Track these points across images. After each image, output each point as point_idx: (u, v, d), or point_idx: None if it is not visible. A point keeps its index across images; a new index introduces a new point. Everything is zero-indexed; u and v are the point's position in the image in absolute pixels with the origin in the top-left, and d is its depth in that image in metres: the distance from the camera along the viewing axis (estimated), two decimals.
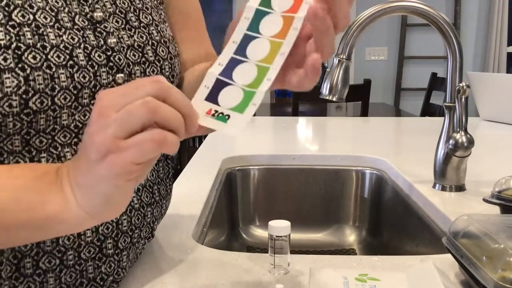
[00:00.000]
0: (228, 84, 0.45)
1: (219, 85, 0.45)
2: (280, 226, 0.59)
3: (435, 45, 3.92)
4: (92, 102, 0.52)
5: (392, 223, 1.09)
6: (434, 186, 0.95)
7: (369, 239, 1.17)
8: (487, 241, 0.52)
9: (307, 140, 1.53)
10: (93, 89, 0.52)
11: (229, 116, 0.43)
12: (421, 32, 3.93)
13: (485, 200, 0.77)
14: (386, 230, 1.12)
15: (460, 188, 0.93)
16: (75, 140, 0.52)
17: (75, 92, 0.50)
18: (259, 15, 0.47)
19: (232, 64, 0.46)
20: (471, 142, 0.89)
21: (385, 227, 1.13)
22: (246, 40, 0.46)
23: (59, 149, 0.51)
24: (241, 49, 0.46)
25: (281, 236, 0.59)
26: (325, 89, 0.88)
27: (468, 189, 0.93)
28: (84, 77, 0.50)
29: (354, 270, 0.62)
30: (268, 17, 0.46)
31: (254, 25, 0.47)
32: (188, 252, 0.67)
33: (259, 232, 1.19)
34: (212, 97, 0.44)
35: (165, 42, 0.62)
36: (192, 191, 0.96)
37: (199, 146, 1.57)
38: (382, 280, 0.58)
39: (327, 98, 0.87)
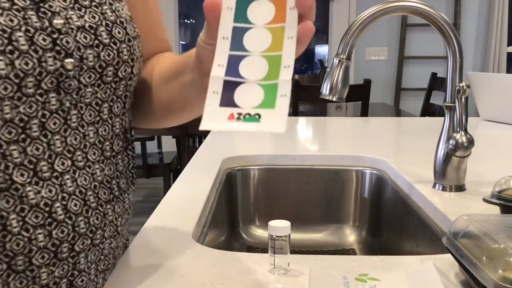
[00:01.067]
0: (239, 83, 0.41)
1: (229, 87, 0.41)
2: (280, 226, 0.59)
3: (435, 45, 3.92)
4: (38, 91, 0.47)
5: (392, 223, 1.09)
6: (434, 186, 0.95)
7: (369, 239, 1.17)
8: (487, 241, 0.52)
9: (307, 140, 1.53)
10: (38, 77, 0.47)
11: (259, 115, 0.39)
12: (421, 32, 3.93)
13: (485, 200, 0.77)
14: (386, 230, 1.12)
15: (460, 188, 0.93)
16: (23, 136, 0.47)
17: (17, 81, 0.45)
18: (242, 4, 0.43)
19: (234, 61, 0.42)
20: (471, 142, 0.89)
21: (385, 227, 1.13)
22: (238, 33, 0.43)
23: (4, 147, 0.46)
24: (236, 43, 0.43)
25: (281, 236, 0.59)
26: (325, 89, 0.88)
27: (468, 189, 0.93)
28: (26, 63, 0.45)
29: (354, 270, 0.62)
30: (255, 4, 0.43)
31: (240, 16, 0.43)
32: (188, 252, 0.67)
33: (259, 232, 1.19)
34: (227, 101, 0.41)
35: (121, 23, 0.56)
36: (192, 191, 0.96)
37: (199, 146, 1.56)
38: (382, 280, 0.58)
39: (327, 98, 0.87)
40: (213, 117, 0.40)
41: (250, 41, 0.42)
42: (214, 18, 0.43)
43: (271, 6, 0.43)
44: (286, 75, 0.40)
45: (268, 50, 0.42)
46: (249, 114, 0.40)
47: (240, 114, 0.40)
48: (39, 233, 0.49)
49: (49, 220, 0.50)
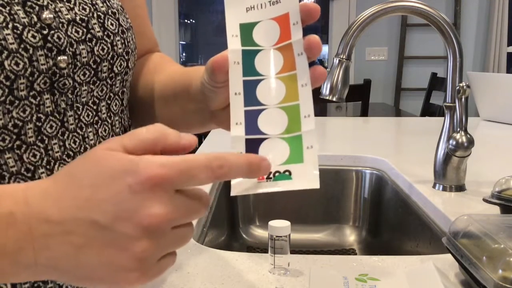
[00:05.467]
0: (262, 139, 0.40)
1: (252, 145, 0.40)
2: (280, 226, 0.59)
3: (435, 45, 3.92)
4: (31, 93, 0.43)
5: (392, 223, 1.09)
6: (434, 186, 0.95)
7: (369, 239, 1.17)
8: (487, 241, 0.52)
9: None
10: (30, 78, 0.43)
11: (289, 171, 0.38)
12: (421, 32, 3.93)
13: (485, 200, 0.77)
14: (386, 230, 1.12)
15: (460, 188, 0.93)
16: (18, 142, 0.44)
17: (7, 83, 0.42)
18: (248, 56, 0.42)
19: (251, 117, 0.41)
20: (471, 142, 0.89)
21: (385, 227, 1.13)
22: (250, 86, 0.41)
23: None
24: (250, 98, 0.41)
25: (281, 236, 0.59)
26: (325, 89, 0.88)
27: (468, 189, 0.93)
28: (17, 64, 0.42)
29: (354, 270, 0.62)
30: (261, 55, 0.42)
31: (249, 69, 0.42)
32: (188, 252, 0.67)
33: (259, 232, 1.19)
34: None
35: (113, 14, 0.52)
36: None
37: (199, 146, 1.57)
38: (382, 280, 0.58)
39: (327, 98, 0.87)
40: (242, 181, 0.38)
41: (263, 93, 0.41)
42: (223, 73, 0.42)
43: (278, 54, 0.42)
44: (308, 126, 0.39)
45: (284, 101, 0.41)
46: (279, 172, 0.38)
47: (269, 173, 0.38)
48: None
49: None
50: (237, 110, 0.41)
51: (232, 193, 0.39)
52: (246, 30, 0.43)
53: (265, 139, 0.40)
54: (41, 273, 0.34)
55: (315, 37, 0.41)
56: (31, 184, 0.34)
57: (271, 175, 0.38)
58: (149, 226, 0.32)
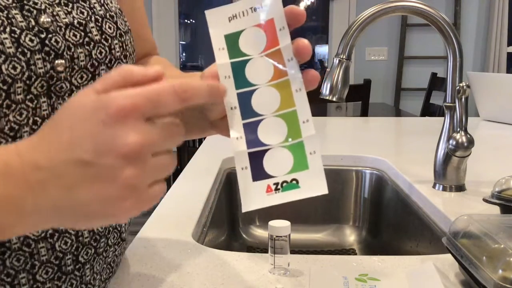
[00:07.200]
0: (264, 151, 0.40)
1: (256, 158, 0.40)
2: (280, 226, 0.59)
3: (435, 45, 3.92)
4: (28, 97, 0.44)
5: (392, 223, 1.09)
6: (434, 186, 0.95)
7: (369, 239, 1.17)
8: (487, 241, 0.52)
9: None
10: (27, 82, 0.43)
11: (296, 180, 0.38)
12: (421, 32, 3.93)
13: (485, 200, 0.77)
14: (386, 230, 1.12)
15: (460, 188, 0.93)
16: None
17: (5, 87, 0.42)
18: (238, 68, 0.41)
19: (250, 129, 0.41)
20: (471, 142, 0.89)
21: (385, 227, 1.13)
22: (244, 98, 0.41)
23: None
24: (246, 110, 0.41)
25: (281, 236, 0.59)
26: (325, 89, 0.88)
27: (468, 189, 0.93)
28: (14, 67, 0.42)
29: (354, 270, 0.62)
30: (251, 65, 0.41)
31: (241, 81, 0.41)
32: (188, 252, 0.67)
33: (259, 232, 1.19)
34: (259, 173, 0.39)
35: (111, 17, 0.52)
36: (192, 191, 0.96)
37: (199, 146, 1.58)
38: (382, 280, 0.58)
39: (327, 98, 0.87)
40: (251, 196, 0.38)
41: (259, 104, 0.41)
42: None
43: (268, 61, 0.41)
44: (308, 131, 0.39)
45: (280, 108, 0.40)
46: (286, 182, 0.39)
47: (277, 184, 0.39)
48: (42, 247, 0.46)
49: (51, 231, 0.47)
50: (236, 124, 0.41)
51: (244, 209, 0.39)
52: (232, 40, 0.42)
53: (267, 150, 0.40)
54: (45, 218, 0.35)
55: (303, 41, 0.41)
56: (21, 140, 0.37)
57: (279, 186, 0.38)
58: (129, 153, 0.33)
